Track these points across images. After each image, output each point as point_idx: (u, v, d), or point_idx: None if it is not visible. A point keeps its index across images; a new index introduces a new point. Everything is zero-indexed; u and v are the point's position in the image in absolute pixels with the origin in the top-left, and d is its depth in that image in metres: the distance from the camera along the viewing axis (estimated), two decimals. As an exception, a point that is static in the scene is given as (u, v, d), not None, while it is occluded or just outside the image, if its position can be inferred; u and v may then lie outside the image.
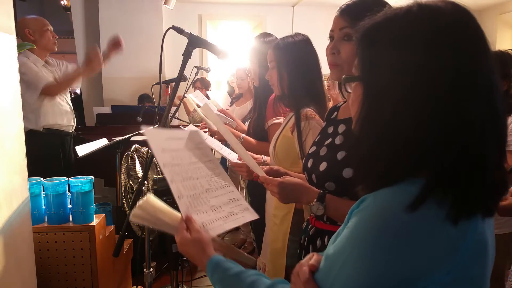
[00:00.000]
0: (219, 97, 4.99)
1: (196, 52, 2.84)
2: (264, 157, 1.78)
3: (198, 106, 2.53)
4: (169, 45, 4.09)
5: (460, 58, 0.57)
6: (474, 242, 0.56)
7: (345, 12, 1.08)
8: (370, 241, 0.55)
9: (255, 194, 2.24)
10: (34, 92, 2.69)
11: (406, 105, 0.57)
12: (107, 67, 5.06)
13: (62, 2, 7.47)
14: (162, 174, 2.29)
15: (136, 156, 2.41)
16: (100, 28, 5.05)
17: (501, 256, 1.81)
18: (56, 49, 2.91)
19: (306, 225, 1.27)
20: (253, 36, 2.25)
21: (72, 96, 3.54)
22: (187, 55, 1.43)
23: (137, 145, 2.48)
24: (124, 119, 3.79)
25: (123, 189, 2.34)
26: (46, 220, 1.67)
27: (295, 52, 1.55)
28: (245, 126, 2.36)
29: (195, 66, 3.06)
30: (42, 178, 1.64)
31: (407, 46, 0.58)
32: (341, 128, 1.16)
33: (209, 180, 1.03)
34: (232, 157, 1.71)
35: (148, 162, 1.67)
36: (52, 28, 2.88)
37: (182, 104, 3.69)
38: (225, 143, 1.99)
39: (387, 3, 1.04)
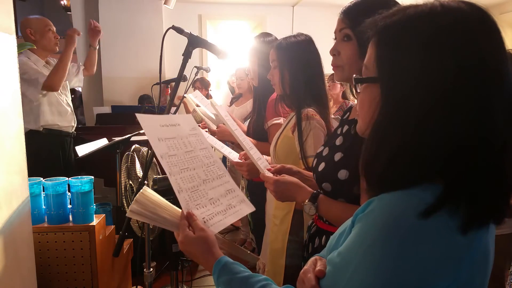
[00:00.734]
0: (220, 96, 4.99)
1: (196, 52, 2.84)
2: (265, 157, 1.79)
3: (198, 106, 2.53)
4: (169, 45, 4.11)
5: (488, 60, 0.56)
6: (479, 252, 0.56)
7: (344, 13, 1.08)
8: (381, 248, 0.53)
9: (256, 194, 2.24)
10: (36, 88, 2.68)
11: (435, 109, 0.55)
12: (107, 67, 5.10)
13: (62, 2, 7.47)
14: (162, 174, 2.29)
15: (136, 156, 2.41)
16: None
17: (501, 256, 1.81)
18: (58, 49, 2.91)
19: (310, 223, 1.28)
20: (253, 36, 2.25)
21: (72, 96, 3.53)
22: (187, 55, 1.43)
23: (137, 145, 2.48)
24: (124, 119, 3.79)
25: (123, 189, 2.34)
26: (46, 220, 1.67)
27: (297, 52, 1.55)
28: (245, 127, 2.36)
29: (195, 66, 3.06)
30: (42, 178, 1.64)
31: (436, 48, 0.56)
32: (345, 128, 1.16)
33: (205, 170, 1.01)
34: (233, 156, 1.71)
35: (148, 162, 1.67)
36: (54, 29, 2.88)
37: (182, 104, 3.69)
38: (225, 142, 1.99)
39: (393, 2, 1.03)
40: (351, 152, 1.04)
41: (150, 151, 1.75)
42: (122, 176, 2.35)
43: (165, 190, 1.41)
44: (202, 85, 4.39)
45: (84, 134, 3.20)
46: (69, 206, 1.69)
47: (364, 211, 0.59)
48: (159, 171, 2.54)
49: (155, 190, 1.36)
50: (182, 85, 3.20)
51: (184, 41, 1.45)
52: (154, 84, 2.39)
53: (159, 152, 0.91)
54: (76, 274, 1.67)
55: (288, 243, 1.52)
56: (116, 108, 4.35)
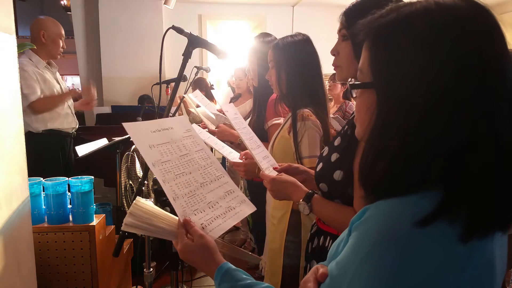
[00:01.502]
0: (221, 95, 4.99)
1: (196, 52, 2.84)
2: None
3: (198, 106, 2.53)
4: (169, 45, 4.10)
5: (488, 58, 0.53)
6: (482, 261, 0.53)
7: (344, 14, 1.09)
8: (376, 259, 0.51)
9: (256, 194, 2.24)
10: (24, 100, 2.65)
11: (433, 111, 0.53)
12: (107, 67, 5.11)
13: (62, 2, 7.48)
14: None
15: (136, 156, 2.41)
16: (100, 28, 5.06)
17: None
18: (59, 57, 2.93)
19: (314, 222, 1.29)
20: (253, 36, 2.25)
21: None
22: (187, 55, 1.43)
23: (137, 145, 2.47)
24: (124, 119, 3.77)
25: (123, 189, 2.34)
26: (46, 220, 1.67)
27: (293, 52, 1.55)
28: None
29: (195, 66, 3.06)
30: (42, 178, 1.64)
31: (433, 47, 0.54)
32: (346, 129, 1.16)
33: (202, 173, 0.98)
34: (233, 156, 1.71)
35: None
36: (64, 37, 2.91)
37: (182, 104, 3.69)
38: (225, 142, 1.99)
39: (387, 5, 1.03)
40: (347, 153, 1.04)
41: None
42: (122, 176, 2.35)
43: (165, 190, 1.40)
44: (203, 86, 4.39)
45: (84, 134, 3.19)
46: (69, 206, 1.69)
47: (360, 218, 0.57)
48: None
49: (155, 191, 1.36)
50: (182, 85, 3.20)
51: (184, 41, 1.45)
52: (154, 84, 2.39)
53: (150, 160, 0.87)
54: (76, 274, 1.67)
55: (286, 243, 1.51)
56: (116, 108, 4.35)
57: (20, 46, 1.52)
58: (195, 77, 3.25)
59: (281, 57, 1.55)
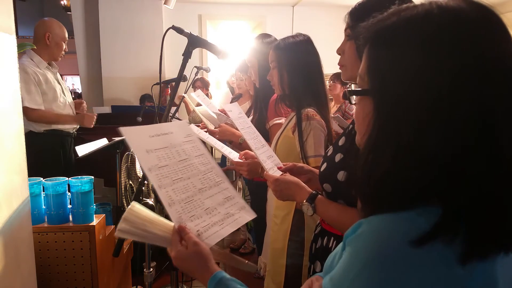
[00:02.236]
0: (219, 96, 4.99)
1: (196, 52, 2.84)
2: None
3: (199, 105, 2.53)
4: (169, 45, 4.10)
5: (492, 61, 0.51)
6: (482, 282, 0.50)
7: (349, 13, 1.09)
8: (367, 279, 0.49)
9: (256, 194, 2.24)
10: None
11: (432, 120, 0.50)
12: (107, 67, 5.10)
13: (62, 2, 7.48)
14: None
15: (136, 156, 2.41)
16: (100, 28, 5.05)
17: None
18: (60, 59, 2.94)
19: (318, 223, 1.29)
20: (253, 36, 2.25)
21: (73, 96, 3.53)
22: (187, 55, 1.43)
23: (137, 145, 2.47)
24: (124, 119, 3.79)
25: (123, 189, 2.34)
26: (46, 220, 1.67)
27: (295, 52, 1.56)
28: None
29: (195, 66, 3.06)
30: (42, 178, 1.64)
31: (433, 51, 0.51)
32: (351, 129, 1.16)
33: (201, 178, 0.96)
34: (233, 156, 1.71)
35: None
36: (67, 40, 2.94)
37: (182, 104, 3.69)
38: (224, 142, 1.99)
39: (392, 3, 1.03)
40: (351, 153, 1.04)
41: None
42: (122, 176, 2.35)
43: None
44: (203, 85, 4.39)
45: (84, 134, 3.19)
46: (69, 206, 1.69)
47: (354, 232, 0.54)
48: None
49: (155, 191, 1.36)
50: (182, 85, 3.20)
51: (184, 41, 1.45)
52: (154, 84, 2.39)
53: (146, 165, 0.85)
54: (76, 274, 1.67)
55: (289, 243, 1.52)
56: (116, 108, 4.34)
57: (20, 46, 1.52)
58: (195, 77, 3.25)
59: (283, 58, 1.56)
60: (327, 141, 1.50)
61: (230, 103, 3.57)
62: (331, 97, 4.12)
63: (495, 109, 0.50)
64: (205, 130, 2.22)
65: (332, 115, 1.67)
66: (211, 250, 0.82)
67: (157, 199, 1.29)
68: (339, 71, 1.14)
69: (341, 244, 0.60)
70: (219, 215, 0.92)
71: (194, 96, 2.47)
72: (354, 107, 0.67)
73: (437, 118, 0.50)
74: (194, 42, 1.44)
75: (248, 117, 2.26)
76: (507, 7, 5.01)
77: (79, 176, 1.67)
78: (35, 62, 2.77)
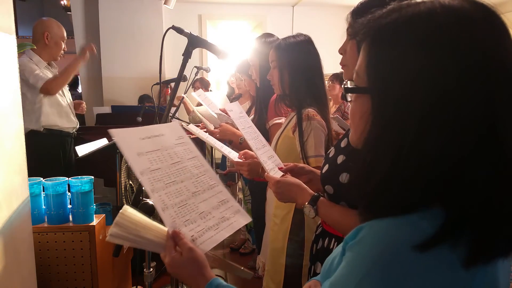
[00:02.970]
0: (218, 98, 4.98)
1: (196, 52, 2.84)
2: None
3: (200, 104, 2.53)
4: (169, 45, 4.10)
5: (494, 62, 0.50)
6: (484, 283, 0.50)
7: (351, 13, 1.09)
8: (373, 283, 0.48)
9: (256, 193, 2.24)
10: (34, 91, 2.71)
11: (434, 120, 0.49)
12: (107, 67, 5.10)
13: (62, 2, 7.47)
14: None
15: (127, 160, 2.40)
16: (100, 28, 5.05)
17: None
18: (59, 59, 2.95)
19: (318, 224, 1.28)
20: (253, 36, 2.25)
21: (73, 96, 3.53)
22: (187, 55, 1.43)
23: (137, 145, 2.47)
24: (124, 119, 3.79)
25: (123, 189, 2.34)
26: (46, 220, 1.67)
27: (296, 52, 1.56)
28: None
29: (195, 66, 3.06)
30: (42, 178, 1.64)
31: (435, 50, 0.50)
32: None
33: (195, 182, 0.93)
34: (233, 155, 1.71)
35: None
36: (66, 39, 2.94)
37: (182, 104, 3.68)
38: (224, 142, 1.99)
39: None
40: (354, 155, 1.04)
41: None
42: (122, 176, 2.35)
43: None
44: (202, 85, 4.39)
45: (84, 134, 3.19)
46: (69, 206, 1.69)
47: (354, 238, 0.53)
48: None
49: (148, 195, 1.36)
50: (182, 85, 3.20)
51: (184, 41, 1.45)
52: (154, 84, 2.39)
53: (138, 169, 0.83)
54: (76, 274, 1.67)
55: (289, 243, 1.52)
56: (116, 108, 4.34)
57: (20, 46, 1.52)
58: (195, 77, 3.25)
59: (284, 58, 1.56)
60: (327, 141, 1.50)
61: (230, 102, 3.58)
62: (330, 98, 4.12)
63: (498, 111, 0.49)
64: (205, 130, 2.22)
65: (332, 116, 1.67)
66: (206, 256, 0.80)
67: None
68: (339, 71, 1.14)
69: (340, 248, 0.59)
70: (214, 219, 0.90)
71: (195, 96, 2.47)
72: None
73: (439, 120, 0.49)
74: (194, 42, 1.44)
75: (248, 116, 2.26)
76: (507, 7, 5.02)
77: (79, 176, 1.67)
78: (34, 61, 2.77)
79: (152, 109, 2.97)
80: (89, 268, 1.67)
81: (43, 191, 1.64)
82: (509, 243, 0.50)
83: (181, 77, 1.46)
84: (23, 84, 2.65)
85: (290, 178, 1.17)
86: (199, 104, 2.58)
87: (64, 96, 2.97)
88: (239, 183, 3.17)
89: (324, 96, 1.58)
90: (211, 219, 0.90)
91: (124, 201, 2.32)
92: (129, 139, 0.87)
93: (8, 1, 1.23)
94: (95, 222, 1.68)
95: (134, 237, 0.79)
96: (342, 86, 0.63)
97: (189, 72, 2.40)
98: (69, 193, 1.68)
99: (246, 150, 1.61)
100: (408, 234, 0.48)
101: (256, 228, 2.44)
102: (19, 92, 1.29)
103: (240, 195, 3.06)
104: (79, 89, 5.50)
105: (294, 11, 5.90)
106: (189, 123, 2.49)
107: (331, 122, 1.58)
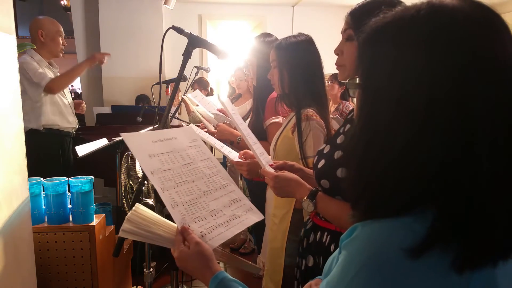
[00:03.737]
0: (217, 100, 4.98)
1: (196, 52, 2.84)
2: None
3: (197, 106, 2.53)
4: (169, 45, 4.11)
5: (491, 62, 0.49)
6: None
7: (349, 14, 1.10)
8: (364, 282, 0.48)
9: (256, 193, 2.24)
10: (37, 90, 2.72)
11: (425, 118, 0.49)
12: (107, 67, 5.10)
13: (62, 2, 7.48)
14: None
15: (138, 161, 2.40)
16: (100, 28, 5.05)
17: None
18: (61, 55, 2.94)
19: (307, 219, 1.29)
20: (253, 36, 2.25)
21: (72, 96, 3.54)
22: (187, 55, 1.43)
23: (137, 145, 2.47)
24: (124, 119, 3.79)
25: (123, 189, 2.34)
26: (46, 220, 1.67)
27: (296, 52, 1.55)
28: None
29: (195, 66, 3.06)
30: (42, 178, 1.64)
31: (431, 49, 0.50)
32: (347, 127, 1.17)
33: (207, 181, 0.96)
34: (233, 155, 1.71)
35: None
36: (64, 35, 2.93)
37: (182, 104, 3.69)
38: (224, 142, 1.99)
39: (398, 2, 1.03)
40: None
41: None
42: (122, 176, 2.35)
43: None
44: (201, 86, 4.39)
45: (84, 134, 3.20)
46: (69, 206, 1.69)
47: (349, 236, 0.53)
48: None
49: (155, 191, 1.36)
50: (182, 85, 3.20)
51: (184, 41, 1.45)
52: (154, 84, 2.39)
53: (149, 169, 0.85)
54: (76, 274, 1.67)
55: (288, 242, 1.52)
56: (116, 108, 4.34)
57: (20, 46, 1.52)
58: (195, 77, 3.25)
59: (284, 57, 1.56)
60: (326, 142, 1.50)
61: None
62: (329, 98, 4.12)
63: (494, 111, 0.48)
64: (205, 130, 2.22)
65: (332, 117, 1.67)
66: (214, 251, 0.83)
67: (157, 199, 1.30)
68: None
69: (338, 250, 0.60)
70: (225, 217, 0.92)
71: (191, 97, 2.47)
72: (351, 107, 0.67)
73: (433, 121, 0.49)
74: (194, 42, 1.44)
75: (249, 117, 2.26)
76: (507, 7, 5.01)
77: (79, 176, 1.67)
78: (36, 60, 2.78)
79: (152, 109, 2.97)
80: (89, 268, 1.67)
81: (43, 191, 1.64)
82: (501, 247, 0.49)
83: (181, 77, 1.46)
84: (25, 82, 2.65)
85: (287, 173, 1.17)
86: (197, 105, 2.58)
87: (65, 96, 2.97)
88: (240, 182, 3.17)
89: (324, 96, 1.58)
90: (222, 217, 0.91)
91: (124, 201, 2.32)
92: (140, 143, 0.89)
93: (8, 1, 1.23)
94: (95, 222, 1.68)
95: (144, 232, 0.82)
96: (343, 87, 0.64)
97: (189, 72, 2.40)
98: (69, 193, 1.68)
99: (246, 150, 1.62)
100: (398, 237, 0.48)
101: (256, 228, 2.44)
102: (19, 92, 1.29)
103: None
104: (79, 89, 5.50)
105: (294, 11, 5.90)
106: (189, 123, 2.49)
107: (331, 122, 1.58)
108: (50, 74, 2.84)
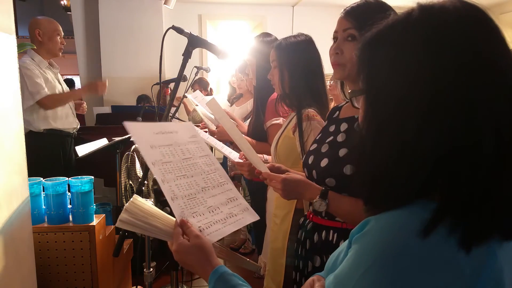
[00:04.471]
0: (220, 96, 4.99)
1: (196, 52, 2.84)
2: (266, 156, 1.79)
3: (197, 106, 2.53)
4: (169, 45, 4.10)
5: (486, 61, 0.52)
6: (489, 279, 0.51)
7: (349, 14, 1.10)
8: (376, 274, 0.49)
9: (256, 193, 2.24)
10: (28, 99, 2.68)
11: (425, 116, 0.51)
12: (107, 67, 5.10)
13: (62, 2, 7.47)
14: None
15: (136, 156, 2.41)
16: (100, 28, 5.06)
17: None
18: (61, 55, 2.93)
19: (303, 220, 1.28)
20: (253, 36, 2.25)
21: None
22: (187, 55, 1.43)
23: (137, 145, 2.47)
24: (124, 119, 3.76)
25: (123, 189, 2.34)
26: (46, 220, 1.67)
27: (296, 52, 1.55)
28: (246, 126, 2.36)
29: (195, 66, 3.06)
30: (42, 178, 1.64)
31: (429, 51, 0.52)
32: (343, 126, 1.17)
33: (205, 178, 0.96)
34: (234, 156, 1.71)
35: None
36: (62, 34, 2.92)
37: (182, 104, 3.69)
38: (225, 143, 1.99)
39: (390, 7, 1.05)
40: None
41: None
42: (122, 176, 2.35)
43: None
44: (201, 86, 4.39)
45: (84, 134, 3.20)
46: (69, 206, 1.69)
47: (361, 231, 0.55)
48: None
49: (155, 190, 1.36)
50: (182, 85, 3.20)
51: (184, 41, 1.45)
52: (154, 84, 2.39)
53: (150, 159, 0.85)
54: (76, 274, 1.67)
55: (289, 243, 1.52)
56: (116, 108, 4.34)
57: (20, 46, 1.52)
58: (195, 77, 3.25)
59: (284, 57, 1.56)
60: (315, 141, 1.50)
61: (231, 102, 3.58)
62: (331, 97, 4.12)
63: (492, 109, 0.51)
64: (205, 130, 2.22)
65: (334, 116, 1.67)
66: (213, 246, 0.82)
67: (157, 199, 1.29)
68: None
69: (346, 243, 0.60)
70: (222, 214, 0.92)
71: (191, 98, 2.47)
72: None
73: (433, 117, 0.51)
74: (194, 42, 1.44)
75: (250, 117, 2.27)
76: (507, 7, 5.01)
77: (79, 176, 1.67)
78: (36, 61, 2.78)
79: (152, 109, 2.98)
80: (89, 268, 1.67)
81: (43, 191, 1.64)
82: (506, 222, 0.52)
83: (181, 77, 1.46)
84: (23, 84, 2.65)
85: (294, 175, 1.16)
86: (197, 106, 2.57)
87: None
88: (243, 182, 3.17)
89: (325, 96, 1.58)
90: (219, 214, 0.91)
91: (124, 201, 2.32)
92: (142, 132, 0.90)
93: (8, 1, 1.23)
94: (95, 222, 1.68)
95: (142, 223, 0.81)
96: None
97: (189, 72, 2.40)
98: (69, 193, 1.68)
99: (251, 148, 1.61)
100: (411, 224, 0.50)
101: (256, 228, 2.44)
102: (19, 92, 1.29)
103: (242, 195, 3.06)
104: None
105: (294, 11, 5.90)
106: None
107: None
108: (49, 76, 2.84)
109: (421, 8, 0.56)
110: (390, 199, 0.54)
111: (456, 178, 0.51)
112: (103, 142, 2.54)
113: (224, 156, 2.02)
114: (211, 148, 2.47)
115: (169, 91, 3.65)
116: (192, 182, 0.92)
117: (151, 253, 1.66)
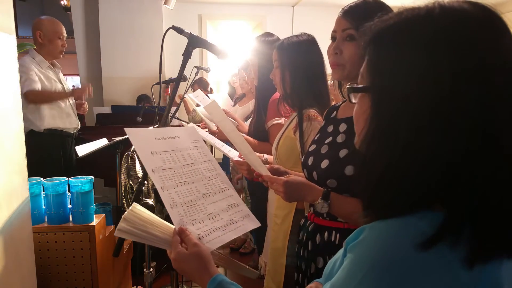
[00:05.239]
0: (220, 96, 4.99)
1: (196, 52, 2.84)
2: (266, 156, 1.79)
3: (198, 105, 2.53)
4: (169, 45, 4.10)
5: (493, 63, 0.50)
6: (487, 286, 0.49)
7: (348, 14, 1.09)
8: (374, 282, 0.48)
9: (256, 193, 2.24)
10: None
11: (430, 120, 0.49)
12: (107, 67, 5.11)
13: (62, 2, 7.48)
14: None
15: (136, 156, 2.40)
16: (100, 28, 5.06)
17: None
18: (62, 57, 2.93)
19: (304, 222, 1.28)
20: (253, 36, 2.25)
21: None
22: (187, 55, 1.43)
23: (137, 145, 2.47)
24: (124, 119, 3.79)
25: (123, 189, 2.34)
26: (46, 220, 1.67)
27: (298, 52, 1.55)
28: (247, 126, 2.36)
29: (195, 66, 3.06)
30: (42, 178, 1.64)
31: (434, 51, 0.50)
32: (343, 127, 1.16)
33: (206, 184, 0.96)
34: (233, 154, 1.71)
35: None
36: (65, 36, 2.91)
37: (182, 104, 3.68)
38: (225, 142, 1.99)
39: (389, 7, 1.06)
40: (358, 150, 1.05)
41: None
42: (122, 176, 2.35)
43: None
44: (201, 86, 4.39)
45: (84, 134, 3.20)
46: (69, 206, 1.69)
47: (356, 239, 0.53)
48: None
49: (155, 191, 1.36)
50: (182, 85, 3.20)
51: (184, 41, 1.44)
52: (154, 84, 2.39)
53: (150, 166, 0.85)
54: (76, 274, 1.67)
55: (289, 243, 1.52)
56: (116, 108, 4.35)
57: (20, 46, 1.52)
58: (195, 77, 3.25)
59: (286, 57, 1.55)
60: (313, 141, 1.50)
61: (234, 102, 3.58)
62: (332, 97, 4.12)
63: (496, 112, 0.49)
64: (206, 130, 2.22)
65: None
66: (211, 254, 0.81)
67: (157, 199, 1.29)
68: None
69: (341, 251, 0.59)
70: (222, 221, 0.91)
71: (193, 97, 2.47)
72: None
73: (437, 121, 0.49)
74: (194, 42, 1.44)
75: (251, 117, 2.26)
76: (507, 7, 5.01)
77: (79, 176, 1.67)
78: (36, 61, 2.78)
79: (152, 109, 2.97)
80: (89, 268, 1.67)
81: (43, 191, 1.64)
82: (508, 243, 0.50)
83: (181, 77, 1.45)
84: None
85: (296, 177, 1.16)
86: (197, 105, 2.58)
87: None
88: (244, 182, 3.17)
89: (326, 96, 1.58)
90: (219, 221, 0.91)
91: (124, 201, 2.32)
92: (143, 138, 0.89)
93: (8, 1, 1.23)
94: (95, 222, 1.68)
95: (141, 232, 0.81)
96: (347, 85, 0.64)
97: (189, 72, 2.40)
98: (69, 193, 1.68)
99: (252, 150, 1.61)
100: (408, 234, 0.49)
101: (257, 228, 2.44)
102: (19, 92, 1.29)
103: (243, 195, 3.06)
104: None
105: (294, 11, 5.90)
106: (189, 123, 2.49)
107: None
108: (50, 75, 2.84)
109: (442, 8, 0.54)
110: (389, 206, 0.53)
111: (461, 187, 0.49)
112: (103, 142, 2.54)
113: (224, 155, 2.02)
114: (211, 147, 2.47)
115: (169, 91, 3.65)
116: (193, 188, 0.91)
117: (151, 253, 1.66)
